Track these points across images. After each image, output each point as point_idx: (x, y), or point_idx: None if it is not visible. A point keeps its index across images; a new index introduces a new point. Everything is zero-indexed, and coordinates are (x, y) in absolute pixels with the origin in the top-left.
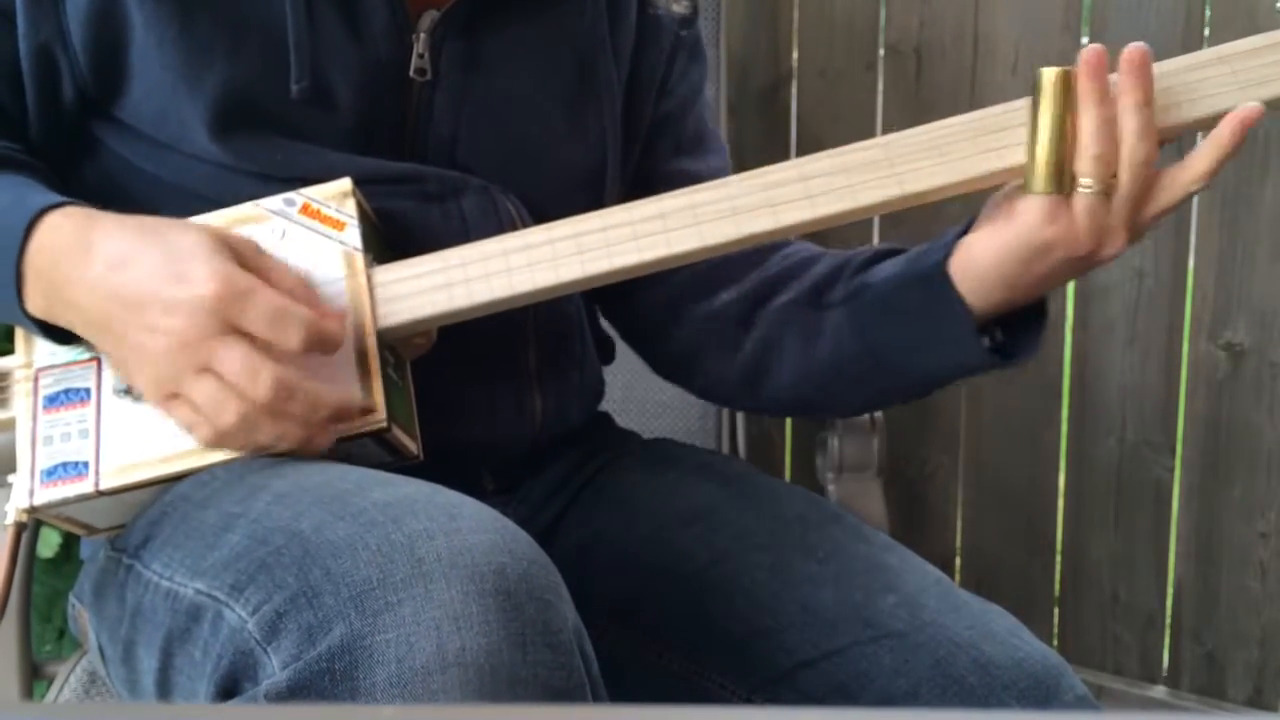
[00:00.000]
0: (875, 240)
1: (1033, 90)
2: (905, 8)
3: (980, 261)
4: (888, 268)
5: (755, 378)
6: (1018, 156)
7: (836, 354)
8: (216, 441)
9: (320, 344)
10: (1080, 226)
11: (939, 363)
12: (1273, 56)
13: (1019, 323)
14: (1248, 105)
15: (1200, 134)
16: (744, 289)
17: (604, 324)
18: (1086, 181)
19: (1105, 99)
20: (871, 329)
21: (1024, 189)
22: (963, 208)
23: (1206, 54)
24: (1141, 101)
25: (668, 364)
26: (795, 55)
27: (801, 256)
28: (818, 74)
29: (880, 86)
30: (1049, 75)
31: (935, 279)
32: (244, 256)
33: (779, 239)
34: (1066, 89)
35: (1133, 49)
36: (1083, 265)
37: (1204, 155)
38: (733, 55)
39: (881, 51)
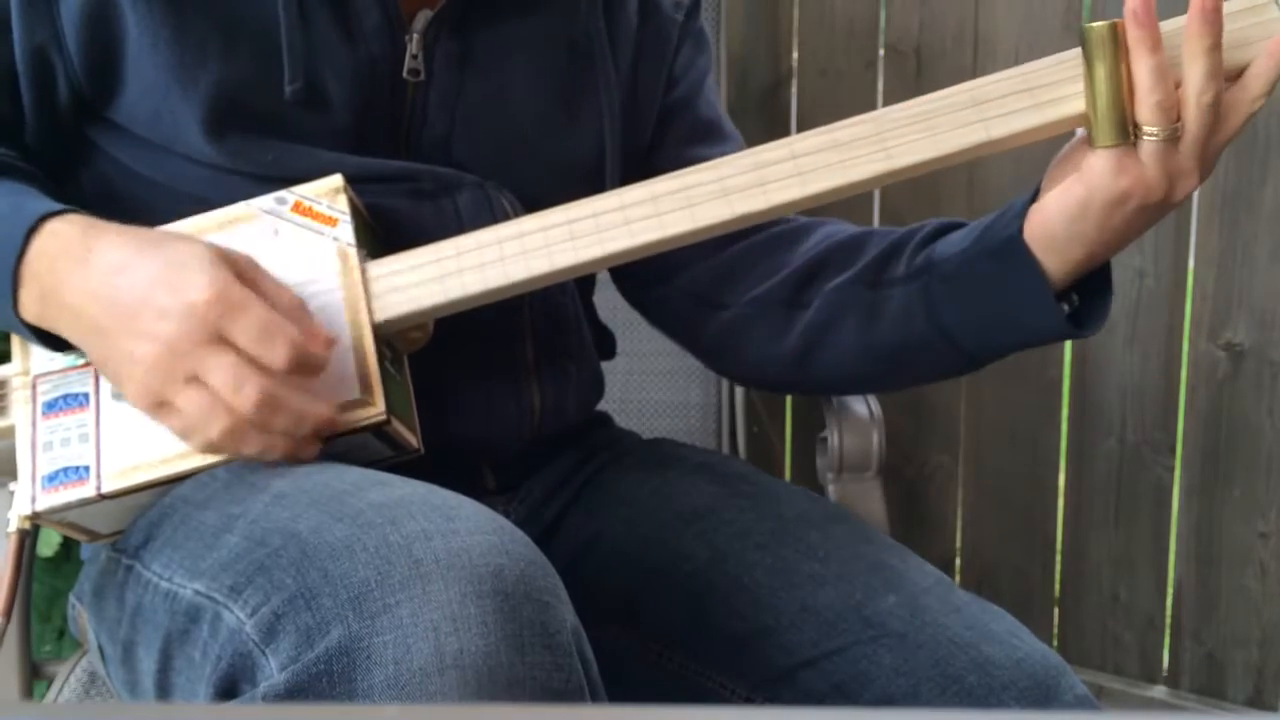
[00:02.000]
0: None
1: (1082, 47)
2: (905, 8)
3: (1055, 222)
4: (953, 243)
5: (806, 358)
6: (1006, 127)
7: (902, 333)
8: (207, 450)
9: (305, 366)
10: (1151, 173)
11: (1013, 336)
12: None
13: (1084, 292)
14: None
15: None
16: (787, 272)
17: (604, 319)
18: (1151, 129)
19: (1157, 46)
20: (943, 307)
21: (1089, 144)
22: (954, 182)
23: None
24: (1211, 46)
25: (707, 348)
26: (795, 55)
27: (848, 235)
28: (818, 74)
29: (880, 86)
30: (1097, 30)
31: (1012, 250)
32: (242, 271)
33: (773, 218)
34: (1116, 40)
35: None
36: (1158, 211)
37: (1262, 72)
38: (733, 55)
39: (881, 51)
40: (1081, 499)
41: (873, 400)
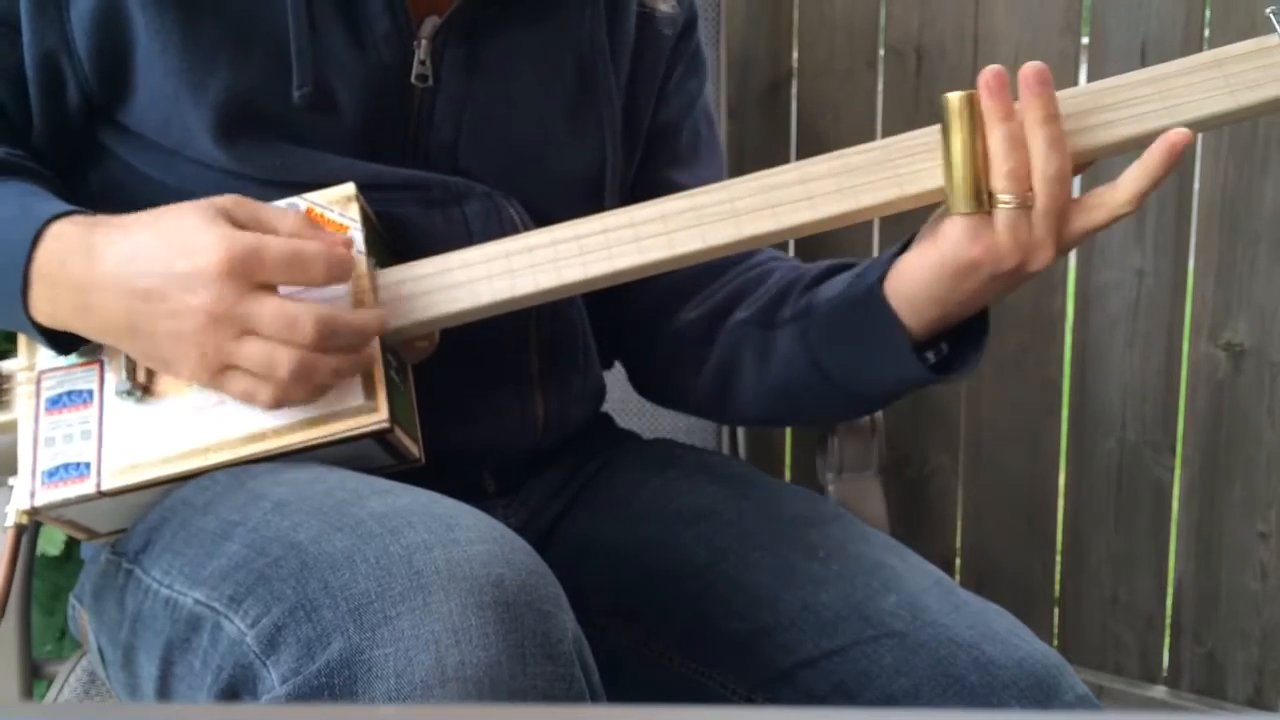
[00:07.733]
0: (875, 239)
1: (941, 116)
2: (905, 8)
3: (911, 282)
4: (833, 286)
5: (720, 395)
6: None
7: (790, 374)
8: (281, 398)
9: (339, 269)
10: (1003, 243)
11: (884, 380)
12: (1201, 77)
13: (963, 333)
14: (1176, 131)
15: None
16: (707, 305)
17: None
18: (1004, 198)
19: (1009, 116)
20: (818, 350)
21: (946, 211)
22: None
23: (1137, 75)
24: (1044, 117)
25: (649, 383)
26: (795, 55)
27: (759, 270)
28: (818, 74)
29: (880, 86)
30: (953, 99)
31: (872, 301)
32: (238, 217)
33: (781, 240)
34: (972, 110)
35: (1028, 68)
36: (1011, 280)
37: (1134, 179)
38: (733, 55)
39: (881, 51)
40: (1081, 499)
41: None
